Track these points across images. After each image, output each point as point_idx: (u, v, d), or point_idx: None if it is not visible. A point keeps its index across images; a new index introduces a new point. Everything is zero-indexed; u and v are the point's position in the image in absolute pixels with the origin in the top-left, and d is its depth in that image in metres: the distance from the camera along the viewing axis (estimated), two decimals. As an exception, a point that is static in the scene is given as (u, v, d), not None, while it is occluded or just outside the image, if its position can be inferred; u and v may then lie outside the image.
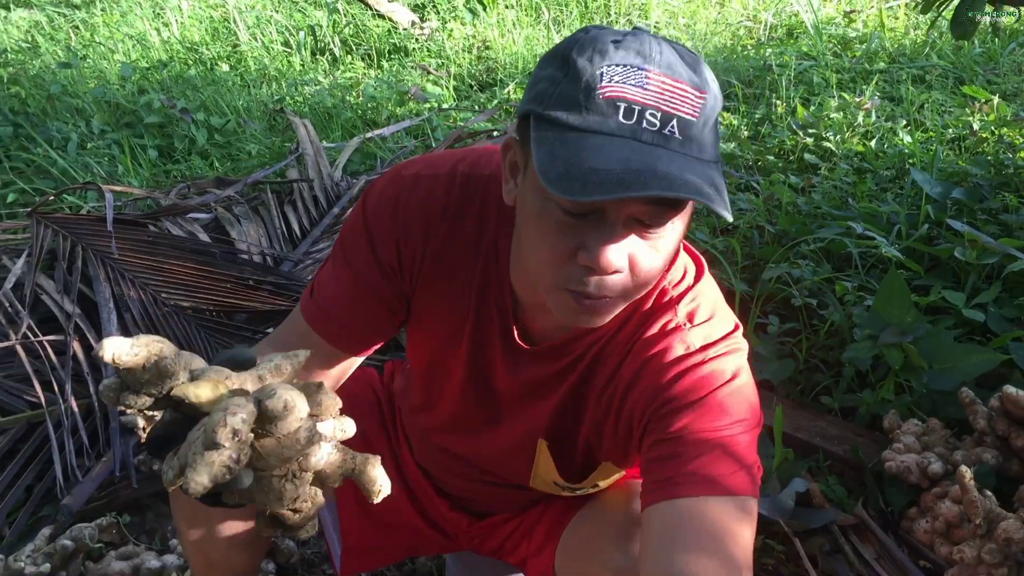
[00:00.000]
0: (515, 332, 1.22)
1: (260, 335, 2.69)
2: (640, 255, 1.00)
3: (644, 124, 0.91)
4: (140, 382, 0.89)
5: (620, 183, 0.88)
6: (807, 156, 3.66)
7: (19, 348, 2.52)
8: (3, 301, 2.71)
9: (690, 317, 1.15)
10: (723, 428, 1.09)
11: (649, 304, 1.17)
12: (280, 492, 0.90)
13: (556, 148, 0.92)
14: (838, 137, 3.77)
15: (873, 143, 3.70)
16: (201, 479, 0.80)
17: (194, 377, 0.90)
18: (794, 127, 3.93)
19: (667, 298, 1.16)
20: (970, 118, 3.84)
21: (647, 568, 1.06)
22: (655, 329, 1.15)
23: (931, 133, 3.80)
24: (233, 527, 1.49)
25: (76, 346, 2.55)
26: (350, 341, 1.31)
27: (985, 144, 3.58)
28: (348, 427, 0.95)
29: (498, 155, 1.17)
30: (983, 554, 1.77)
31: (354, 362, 1.36)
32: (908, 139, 3.67)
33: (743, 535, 1.06)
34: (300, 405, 0.86)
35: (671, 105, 0.92)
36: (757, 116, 4.23)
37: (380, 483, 0.94)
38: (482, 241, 1.20)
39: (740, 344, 1.16)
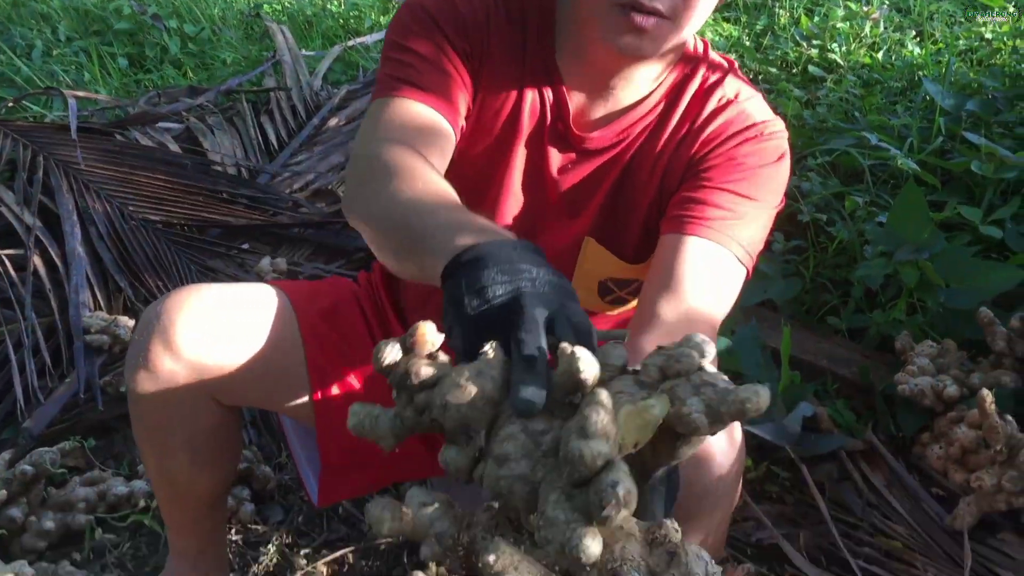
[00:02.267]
0: (569, 122, 1.27)
1: (235, 251, 2.54)
2: None
3: None
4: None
5: None
6: (812, 68, 3.49)
7: (-25, 263, 2.36)
8: (-42, 213, 2.54)
9: (738, 95, 1.26)
10: (754, 199, 1.21)
11: (693, 87, 1.26)
12: None
13: None
14: (844, 48, 3.59)
15: (880, 55, 3.53)
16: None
17: None
18: (798, 38, 3.75)
19: (710, 81, 1.27)
20: (982, 29, 3.66)
21: (651, 280, 1.19)
22: (711, 105, 1.26)
23: (941, 44, 3.62)
24: (195, 447, 1.36)
25: (37, 261, 2.39)
26: (453, 111, 1.23)
27: (999, 56, 3.40)
28: None
29: None
30: (1004, 482, 1.67)
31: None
32: (918, 50, 3.50)
33: (731, 292, 1.20)
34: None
35: None
36: (759, 27, 4.03)
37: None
38: (527, 35, 1.26)
39: (783, 126, 1.27)
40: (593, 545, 0.61)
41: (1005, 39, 3.48)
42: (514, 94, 1.27)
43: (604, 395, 0.65)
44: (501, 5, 1.25)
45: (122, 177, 2.65)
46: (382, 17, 4.52)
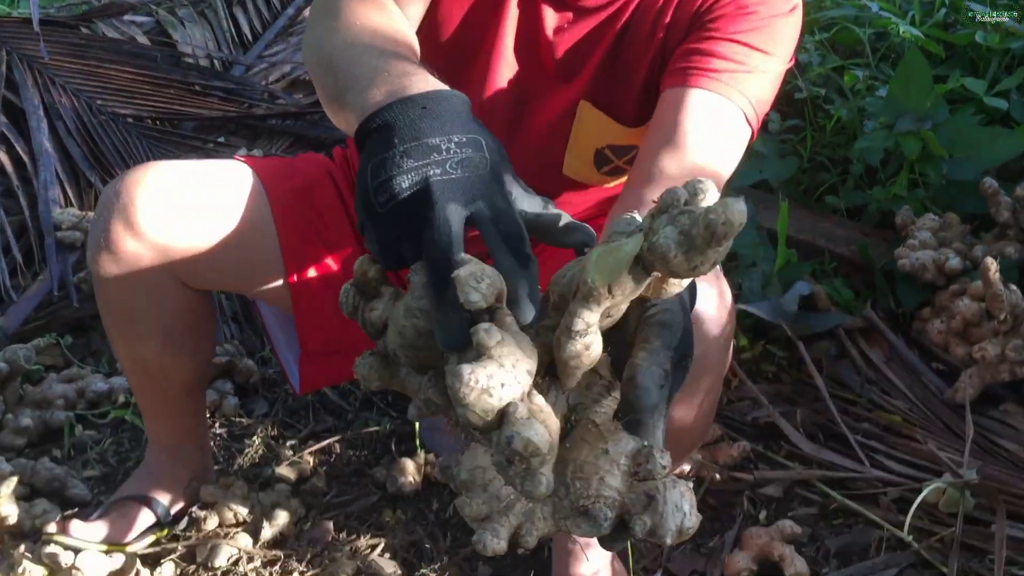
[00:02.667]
0: None
1: (211, 144, 2.45)
2: None
3: None
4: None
5: None
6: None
7: (-61, 161, 2.27)
8: (-82, 111, 2.43)
9: None
10: (765, 51, 1.12)
11: None
12: None
13: None
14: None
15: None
16: None
17: None
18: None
19: None
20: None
21: (651, 135, 1.11)
22: None
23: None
24: (165, 333, 1.31)
25: (3, 158, 2.29)
26: None
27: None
28: None
29: None
30: (1007, 351, 1.62)
31: None
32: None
33: (737, 150, 1.12)
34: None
35: None
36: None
37: None
38: None
39: None
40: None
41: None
42: None
43: (485, 336, 0.60)
44: None
45: (89, 71, 2.53)
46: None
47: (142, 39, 2.76)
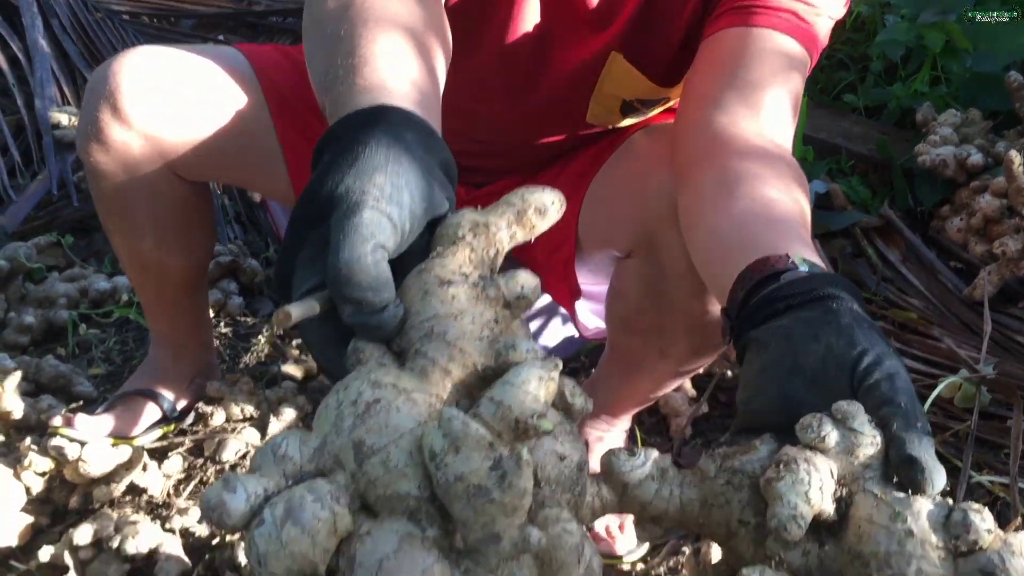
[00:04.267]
0: None
1: (210, 42, 2.37)
2: None
3: None
4: None
5: None
6: None
7: (-68, 59, 2.21)
8: (-91, 8, 2.36)
9: None
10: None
11: None
12: None
13: None
14: None
15: None
16: None
17: None
18: None
19: None
20: None
21: (694, 98, 1.01)
22: None
23: None
24: (161, 225, 1.26)
25: (-2, 56, 2.24)
26: None
27: None
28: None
29: None
30: (1029, 246, 1.58)
31: None
32: None
33: (800, 84, 1.00)
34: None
35: None
36: None
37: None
38: None
39: None
40: None
41: None
42: None
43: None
44: None
45: (83, -34, 2.45)
46: None
47: (138, -66, 2.67)
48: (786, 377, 0.65)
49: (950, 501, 0.57)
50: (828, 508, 0.58)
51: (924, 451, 0.58)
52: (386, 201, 0.62)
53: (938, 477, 0.58)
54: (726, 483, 0.61)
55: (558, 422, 0.61)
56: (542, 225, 0.68)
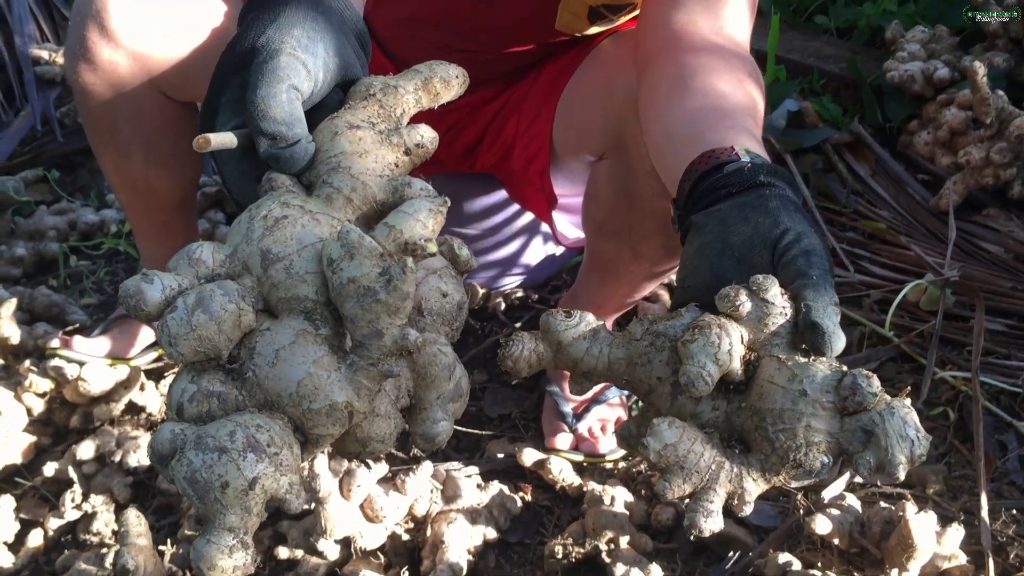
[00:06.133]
0: None
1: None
2: None
3: None
4: None
5: None
6: None
7: (-92, -2, 2.21)
8: None
9: None
10: None
11: None
12: None
13: None
14: None
15: None
16: None
17: None
18: None
19: None
20: None
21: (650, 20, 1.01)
22: None
23: None
24: (149, 144, 1.29)
25: (-25, -6, 2.23)
26: None
27: None
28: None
29: None
30: (992, 154, 1.64)
31: None
32: None
33: (749, 28, 1.01)
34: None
35: None
36: None
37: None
38: None
39: None
40: None
41: None
42: None
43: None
44: None
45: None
46: None
47: None
48: (717, 256, 0.71)
49: (844, 368, 0.63)
50: (736, 369, 0.64)
51: (827, 318, 0.65)
52: (302, 51, 0.70)
53: (837, 341, 0.64)
54: (650, 344, 0.68)
55: (443, 266, 0.70)
56: (446, 95, 0.77)
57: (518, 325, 1.63)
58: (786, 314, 0.65)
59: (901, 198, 1.77)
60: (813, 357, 0.64)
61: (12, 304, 1.55)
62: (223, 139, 0.68)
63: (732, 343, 0.63)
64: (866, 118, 1.92)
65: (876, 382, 0.61)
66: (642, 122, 0.99)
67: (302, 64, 0.70)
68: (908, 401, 0.63)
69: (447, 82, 0.76)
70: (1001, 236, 1.64)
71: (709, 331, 0.63)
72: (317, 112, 0.73)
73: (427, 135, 0.71)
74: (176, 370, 1.52)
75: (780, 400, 0.62)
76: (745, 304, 0.65)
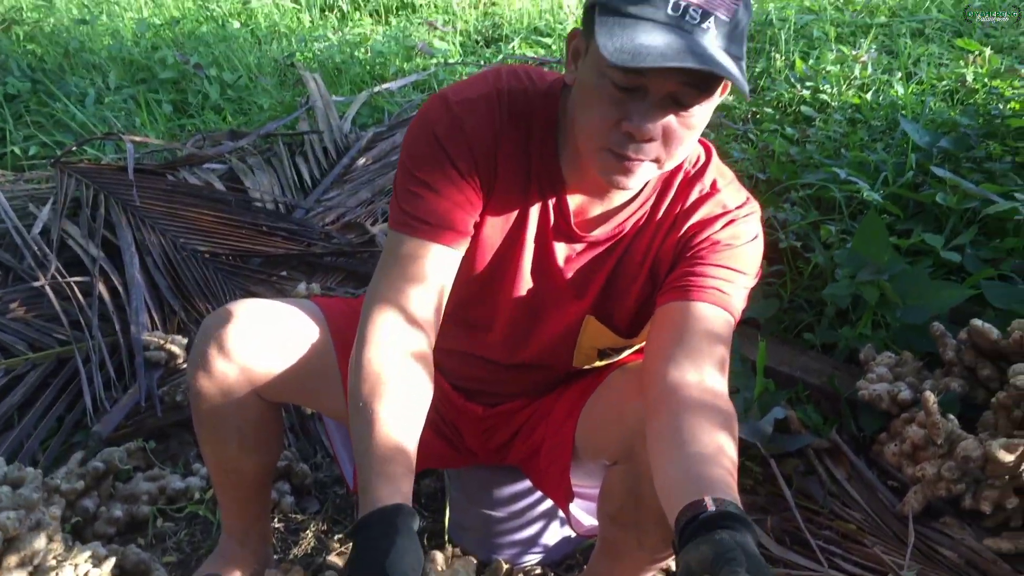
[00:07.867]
0: (572, 221, 1.42)
1: (275, 277, 2.84)
2: (672, 129, 1.22)
3: (687, 17, 1.14)
4: None
5: (663, 56, 1.11)
6: (803, 108, 3.75)
7: (48, 289, 2.68)
8: (32, 245, 2.86)
9: (714, 185, 1.42)
10: (739, 273, 1.40)
11: (677, 182, 1.42)
12: None
13: (615, 29, 1.14)
14: (834, 89, 3.85)
15: (869, 95, 3.79)
16: None
17: None
18: (792, 80, 4.02)
19: (691, 174, 1.42)
20: (965, 71, 3.92)
21: (653, 354, 1.37)
22: (693, 196, 1.41)
23: (926, 85, 3.88)
24: (243, 434, 1.63)
25: (101, 287, 2.70)
26: (460, 237, 1.40)
27: (976, 95, 3.66)
28: None
29: (525, 74, 1.40)
30: (943, 471, 1.92)
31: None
32: (901, 90, 3.76)
33: (728, 338, 1.37)
34: None
35: (711, 5, 1.15)
36: (757, 70, 4.32)
37: None
38: (530, 145, 1.38)
39: (757, 208, 1.45)
40: None
41: (984, 80, 3.73)
42: (521, 201, 1.41)
43: None
44: (506, 109, 1.36)
45: (174, 212, 2.96)
46: (405, 64, 4.85)
47: (218, 185, 3.21)
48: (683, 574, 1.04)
49: None
50: None
51: None
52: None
53: None
54: None
55: None
56: None
57: (535, 600, 1.88)
58: None
59: (872, 502, 2.04)
60: None
61: (111, 562, 1.85)
62: None
63: None
64: (844, 428, 2.23)
65: None
66: (650, 459, 1.31)
67: None
68: None
69: None
70: (955, 543, 1.89)
71: None
72: None
73: None
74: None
75: None
76: None
